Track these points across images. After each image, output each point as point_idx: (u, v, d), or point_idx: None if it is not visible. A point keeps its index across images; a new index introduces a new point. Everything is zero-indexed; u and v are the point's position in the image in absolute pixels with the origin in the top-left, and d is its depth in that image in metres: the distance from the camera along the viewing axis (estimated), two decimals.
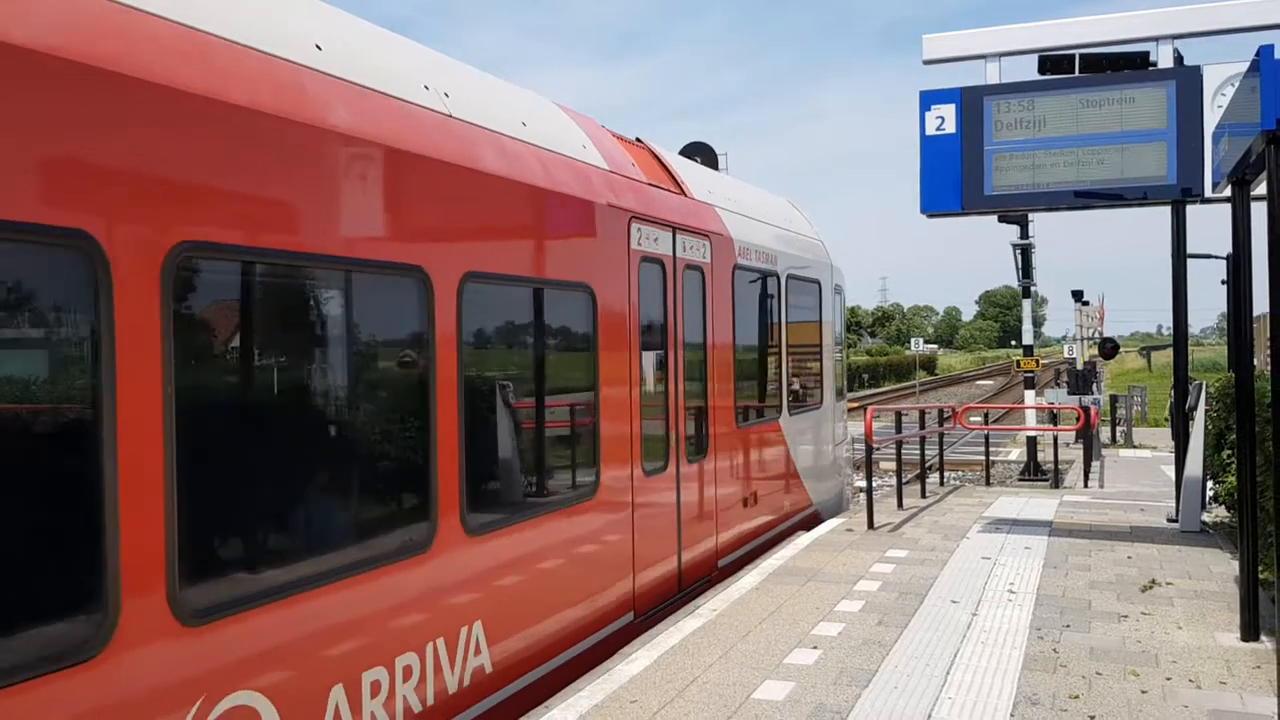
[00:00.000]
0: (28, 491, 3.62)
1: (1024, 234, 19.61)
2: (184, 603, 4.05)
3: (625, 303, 7.94)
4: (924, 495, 14.52)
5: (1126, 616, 7.77)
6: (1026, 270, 19.84)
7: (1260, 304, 6.78)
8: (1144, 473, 18.18)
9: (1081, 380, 24.09)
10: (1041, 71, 11.40)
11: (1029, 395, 20.89)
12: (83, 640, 3.66)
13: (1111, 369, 64.75)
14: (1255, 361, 7.50)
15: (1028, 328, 20.85)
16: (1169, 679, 6.34)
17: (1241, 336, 7.46)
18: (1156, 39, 10.87)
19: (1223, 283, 24.33)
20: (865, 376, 64.35)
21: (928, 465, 16.82)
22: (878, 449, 13.73)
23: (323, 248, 4.86)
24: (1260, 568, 7.06)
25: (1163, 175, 10.19)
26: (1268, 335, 6.39)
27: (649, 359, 8.41)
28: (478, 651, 5.96)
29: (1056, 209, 11.12)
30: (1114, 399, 27.91)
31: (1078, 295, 29.13)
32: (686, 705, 5.98)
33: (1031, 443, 20.41)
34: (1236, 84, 8.08)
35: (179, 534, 4.01)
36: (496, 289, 6.32)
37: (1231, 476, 9.18)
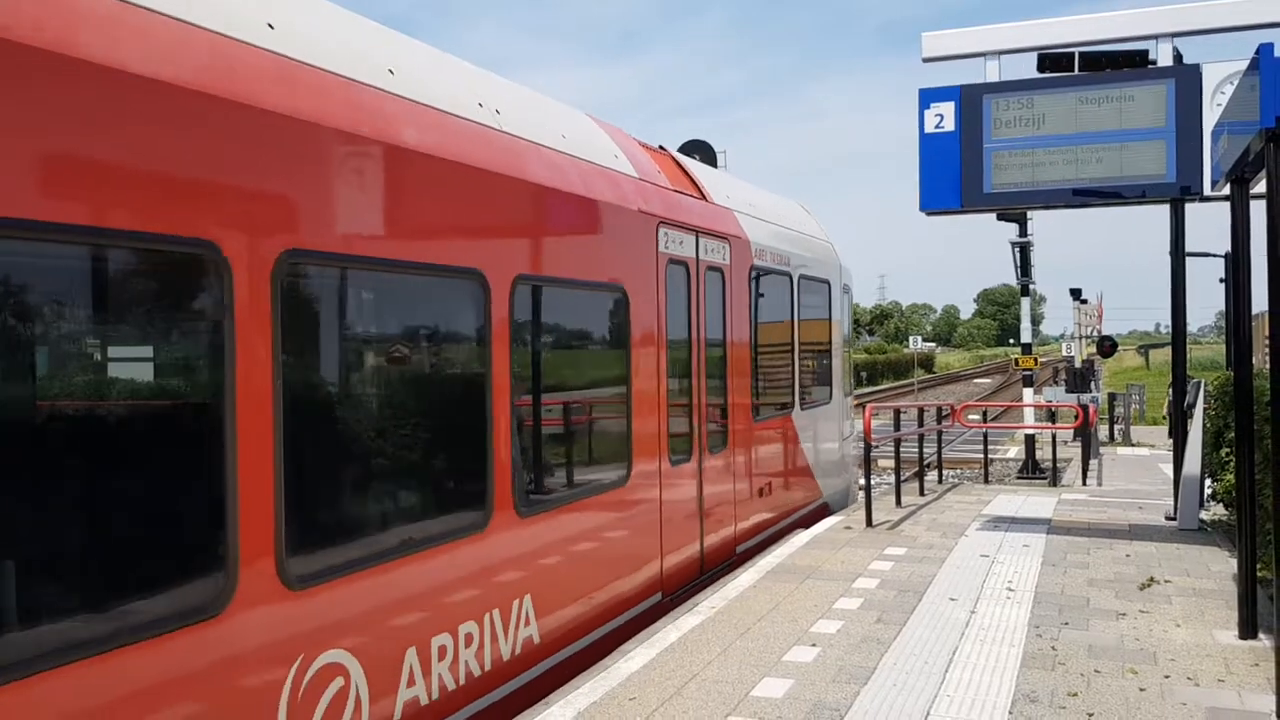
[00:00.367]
0: (167, 475, 4.17)
1: (1022, 232, 19.59)
2: (289, 570, 4.59)
3: (654, 302, 8.46)
4: (922, 493, 14.52)
5: (1125, 614, 7.77)
6: (1025, 268, 19.83)
7: (1259, 302, 6.79)
8: (1142, 471, 18.20)
9: (1080, 378, 24.08)
10: (1041, 69, 11.41)
11: (1027, 393, 20.89)
12: (210, 601, 4.21)
13: (1110, 367, 64.84)
14: (1254, 359, 7.50)
15: (1026, 326, 20.86)
16: (1167, 677, 6.34)
17: (1240, 335, 7.46)
18: (1156, 37, 10.87)
19: (1221, 281, 24.42)
20: (863, 375, 64.35)
21: (926, 463, 16.83)
22: (876, 447, 13.76)
23: (400, 253, 5.41)
24: (1258, 565, 7.07)
25: (1162, 173, 10.19)
26: (1266, 333, 6.39)
27: (675, 355, 8.89)
28: (527, 623, 6.51)
29: (1055, 207, 11.11)
30: (1112, 397, 27.97)
31: (1076, 293, 29.06)
32: (685, 703, 5.98)
33: (1030, 441, 20.42)
34: (1236, 82, 8.08)
35: (285, 509, 4.55)
36: (542, 290, 6.85)
37: (1230, 474, 9.19)
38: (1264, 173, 6.03)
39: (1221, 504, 10.68)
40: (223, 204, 4.27)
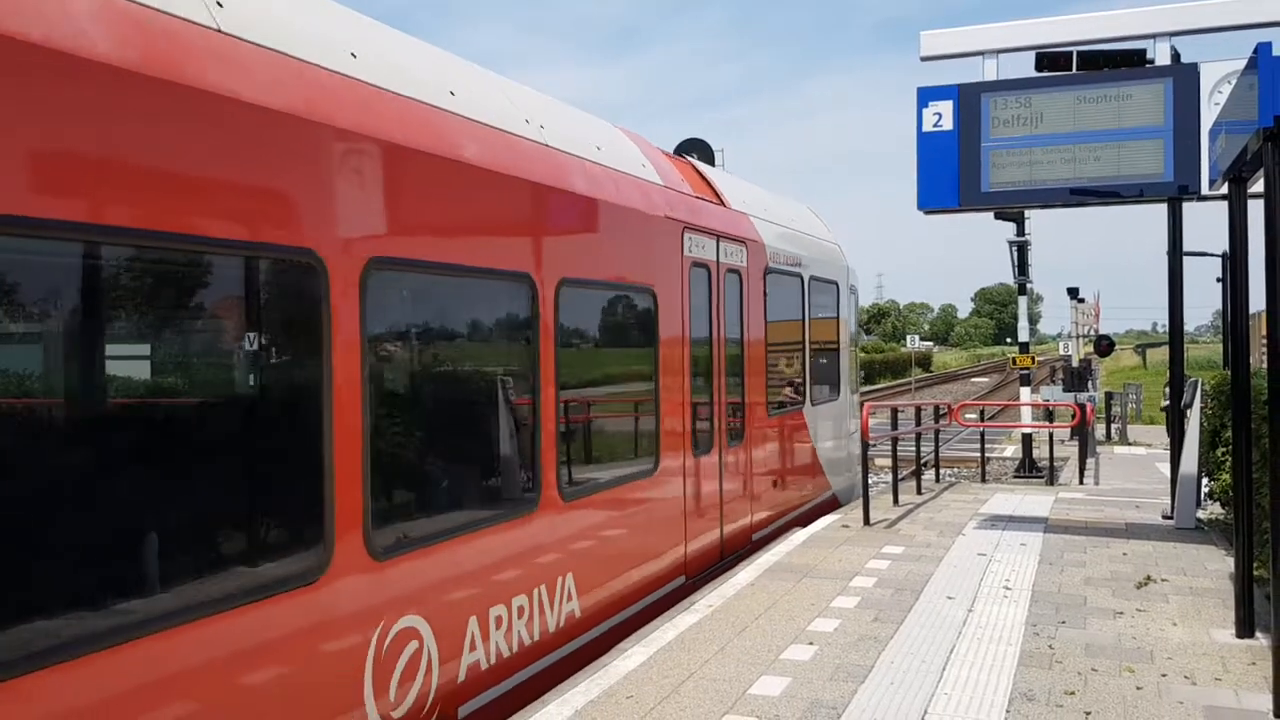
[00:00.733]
0: (277, 458, 4.77)
1: (1020, 231, 19.54)
2: (374, 541, 5.11)
3: (680, 303, 9.03)
4: (920, 492, 14.53)
5: (1122, 613, 7.78)
6: (1023, 267, 19.78)
7: (1256, 301, 6.80)
8: (1139, 470, 18.20)
9: (1077, 377, 24.07)
10: (1039, 68, 11.40)
11: (1024, 392, 20.87)
12: (311, 568, 4.75)
13: (1107, 366, 64.86)
14: (1251, 359, 7.50)
15: (1023, 325, 20.82)
16: (1164, 675, 6.35)
17: (1237, 334, 7.46)
18: (1154, 36, 10.84)
19: (1218, 280, 24.45)
20: (861, 373, 64.35)
21: (923, 462, 16.84)
22: (874, 445, 13.80)
23: (463, 259, 6.01)
24: (1255, 564, 7.07)
25: (1159, 172, 10.18)
26: (1263, 332, 6.39)
27: (698, 353, 9.42)
28: (569, 599, 7.09)
29: (1053, 206, 11.11)
30: (1109, 396, 27.96)
31: (1073, 292, 29.03)
32: (682, 701, 5.98)
33: (1027, 440, 20.39)
34: (1234, 81, 8.06)
35: (371, 487, 5.08)
36: (582, 292, 7.40)
37: (1226, 473, 9.21)
38: (1262, 172, 6.03)
39: (1218, 503, 10.69)
40: (325, 219, 4.88)
